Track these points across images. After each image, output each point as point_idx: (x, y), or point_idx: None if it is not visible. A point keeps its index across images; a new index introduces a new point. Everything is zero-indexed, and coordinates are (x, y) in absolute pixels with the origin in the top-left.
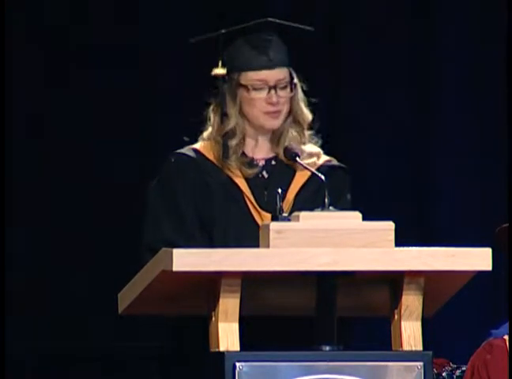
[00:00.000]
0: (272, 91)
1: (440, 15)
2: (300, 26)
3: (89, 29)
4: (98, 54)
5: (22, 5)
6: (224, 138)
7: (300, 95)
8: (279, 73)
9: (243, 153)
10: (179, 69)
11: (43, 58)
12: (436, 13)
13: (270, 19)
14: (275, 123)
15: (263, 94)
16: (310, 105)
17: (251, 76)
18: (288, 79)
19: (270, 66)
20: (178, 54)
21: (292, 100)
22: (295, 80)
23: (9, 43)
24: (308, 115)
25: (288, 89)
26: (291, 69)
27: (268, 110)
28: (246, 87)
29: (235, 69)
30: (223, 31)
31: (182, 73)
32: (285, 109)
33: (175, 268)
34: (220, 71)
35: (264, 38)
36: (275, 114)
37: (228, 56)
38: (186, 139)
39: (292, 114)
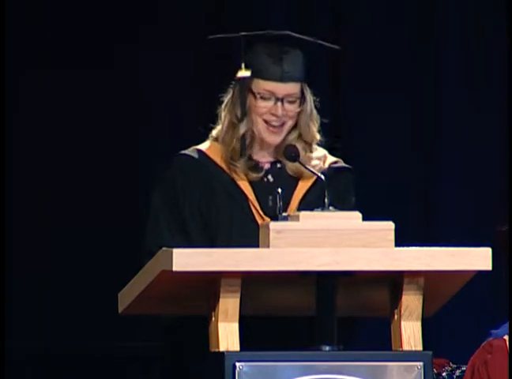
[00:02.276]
0: (279, 104)
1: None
2: (326, 44)
3: (89, 30)
4: (98, 55)
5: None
6: (242, 139)
7: (310, 111)
8: (289, 88)
9: (249, 156)
10: (180, 69)
11: (42, 67)
12: (439, 19)
13: (297, 35)
14: (276, 139)
15: (269, 104)
16: (321, 124)
17: (261, 85)
18: (298, 94)
19: (281, 79)
20: (180, 54)
21: (300, 115)
22: (307, 96)
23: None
24: (315, 134)
25: (297, 104)
26: (304, 84)
27: (270, 120)
28: (254, 94)
29: None
30: (243, 33)
31: (183, 73)
32: (290, 123)
33: (175, 268)
34: (244, 73)
35: (283, 49)
36: (276, 128)
37: (247, 60)
38: (200, 129)
39: (298, 129)
